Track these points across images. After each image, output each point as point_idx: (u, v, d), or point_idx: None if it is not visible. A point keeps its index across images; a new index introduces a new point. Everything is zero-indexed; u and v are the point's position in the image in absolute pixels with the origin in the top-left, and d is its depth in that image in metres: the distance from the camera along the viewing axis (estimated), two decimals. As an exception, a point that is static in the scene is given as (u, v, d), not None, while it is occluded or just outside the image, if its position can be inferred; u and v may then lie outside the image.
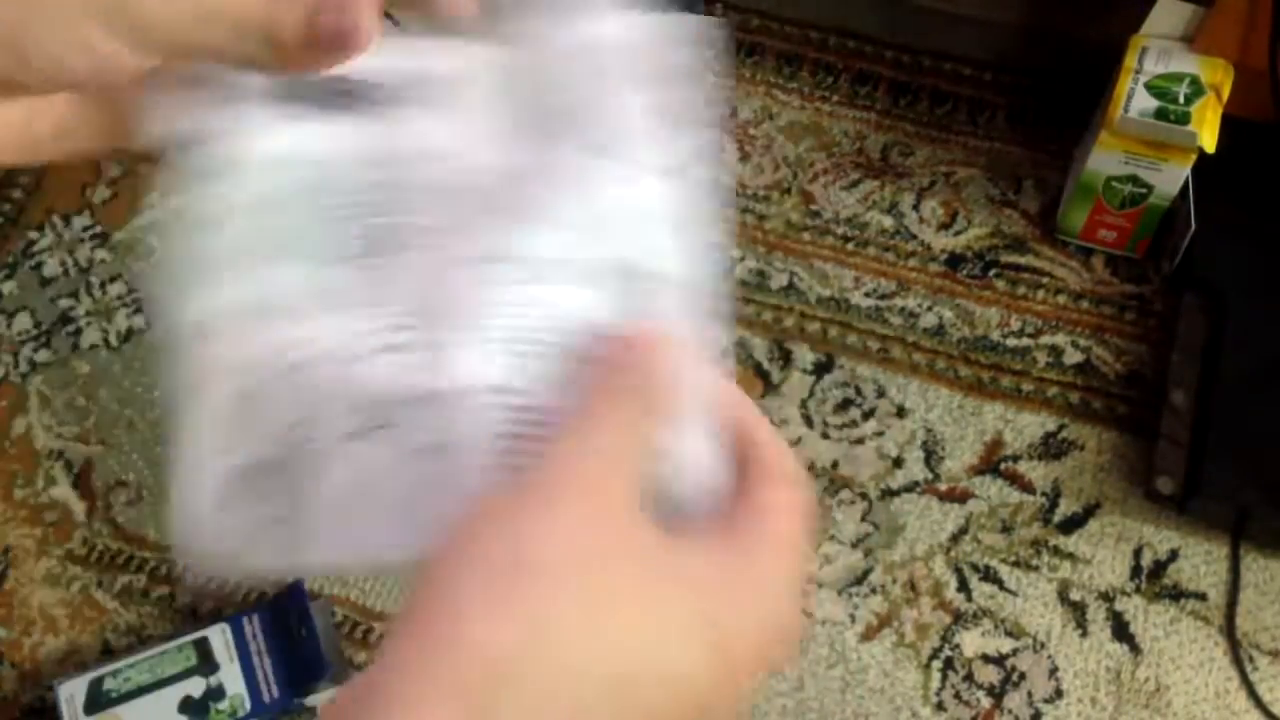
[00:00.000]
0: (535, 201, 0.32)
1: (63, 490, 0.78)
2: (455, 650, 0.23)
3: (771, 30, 0.90)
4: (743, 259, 0.82)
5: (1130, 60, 0.73)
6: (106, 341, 0.83)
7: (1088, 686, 0.68)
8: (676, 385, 0.29)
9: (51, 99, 0.33)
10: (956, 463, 0.75)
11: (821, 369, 0.78)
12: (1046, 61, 0.88)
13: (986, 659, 0.69)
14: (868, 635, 0.70)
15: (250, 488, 0.33)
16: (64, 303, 0.85)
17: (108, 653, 0.72)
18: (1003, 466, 0.74)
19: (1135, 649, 0.68)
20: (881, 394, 0.77)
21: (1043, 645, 0.69)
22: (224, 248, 0.34)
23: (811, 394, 0.78)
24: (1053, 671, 0.68)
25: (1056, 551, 0.72)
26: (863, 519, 0.73)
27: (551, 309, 0.30)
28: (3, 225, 0.89)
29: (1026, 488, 0.74)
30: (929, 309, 0.80)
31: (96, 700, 0.65)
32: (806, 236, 0.83)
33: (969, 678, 0.68)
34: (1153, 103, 0.71)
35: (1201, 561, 0.71)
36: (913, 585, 0.71)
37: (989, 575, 0.71)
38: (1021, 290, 0.81)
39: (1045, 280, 0.81)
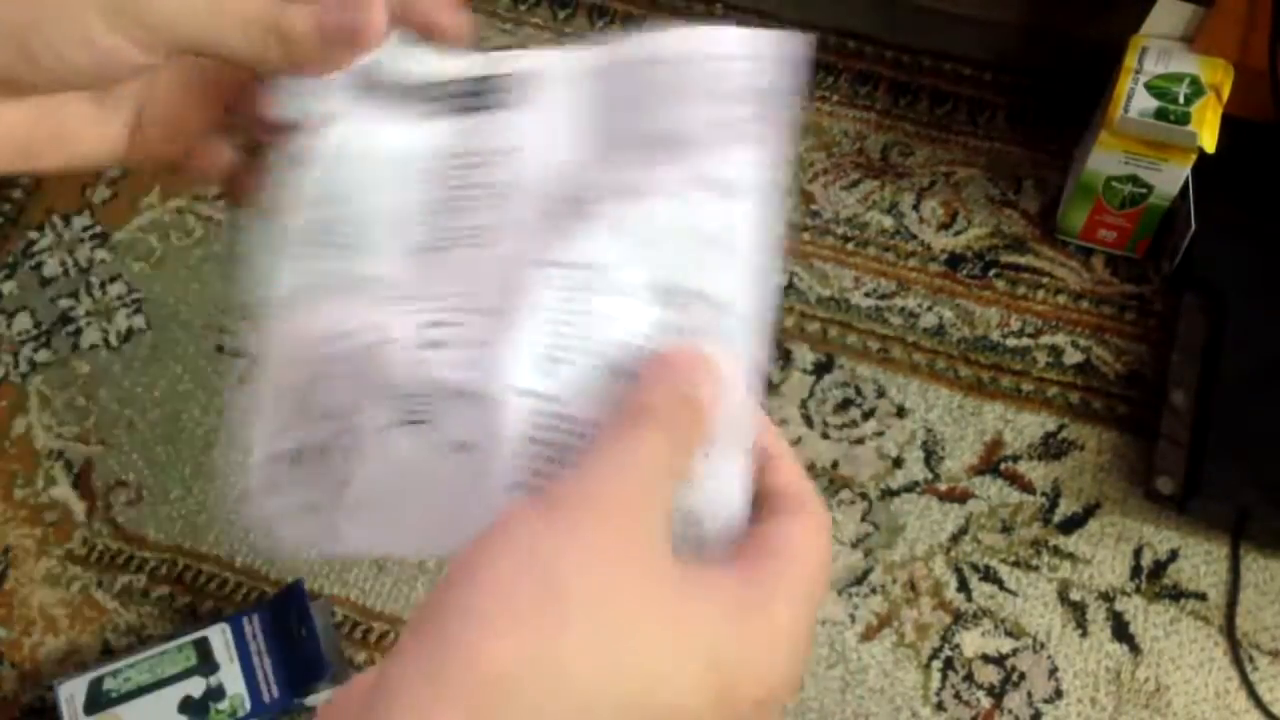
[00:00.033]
0: (595, 210, 0.31)
1: (63, 490, 0.78)
2: (466, 662, 0.23)
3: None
4: (743, 259, 0.82)
5: (1130, 60, 0.73)
6: (106, 341, 0.83)
7: (1088, 686, 0.68)
8: (712, 413, 0.29)
9: (52, 107, 0.33)
10: (956, 463, 0.75)
11: (821, 369, 0.78)
12: (1046, 61, 0.88)
13: (986, 659, 0.69)
14: (868, 635, 0.70)
15: (295, 472, 0.33)
16: (64, 303, 0.85)
17: (108, 653, 0.72)
18: (1003, 466, 0.75)
19: (1135, 649, 0.68)
20: (881, 394, 0.77)
21: (1043, 645, 0.69)
22: (295, 234, 0.34)
23: (811, 394, 0.78)
24: (1053, 671, 0.68)
25: (1056, 551, 0.72)
26: (863, 519, 0.73)
27: (598, 320, 0.30)
28: (3, 225, 0.89)
29: (1026, 488, 0.74)
30: (929, 309, 0.80)
31: (96, 700, 0.65)
32: (806, 236, 0.83)
33: (969, 678, 0.68)
34: (1153, 103, 0.71)
35: (1201, 561, 0.71)
36: (913, 585, 0.71)
37: (989, 575, 0.71)
38: (1021, 290, 0.81)
39: (1045, 280, 0.81)
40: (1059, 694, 0.67)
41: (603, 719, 0.24)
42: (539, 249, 0.31)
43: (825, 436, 0.76)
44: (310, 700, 0.67)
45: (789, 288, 0.81)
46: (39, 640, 0.73)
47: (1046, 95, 0.88)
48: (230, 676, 0.66)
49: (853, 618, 0.70)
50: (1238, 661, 0.67)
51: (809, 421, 0.77)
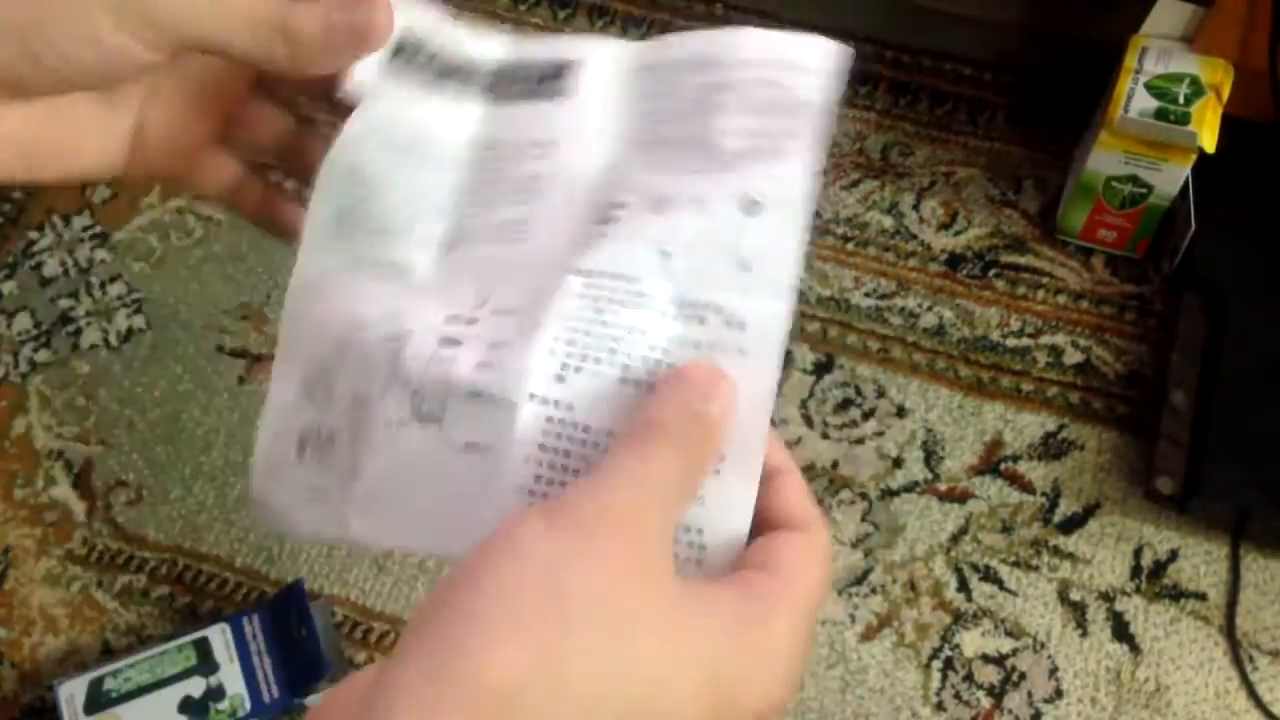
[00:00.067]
0: (625, 216, 0.31)
1: (63, 490, 0.78)
2: (469, 668, 0.23)
3: (771, 30, 0.90)
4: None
5: (1130, 60, 0.73)
6: (106, 341, 0.83)
7: (1088, 686, 0.68)
8: (724, 431, 0.29)
9: (54, 115, 0.33)
10: (956, 463, 0.75)
11: (821, 369, 0.78)
12: (1046, 61, 0.88)
13: (986, 659, 0.69)
14: (868, 635, 0.70)
15: (303, 455, 0.33)
16: (64, 303, 0.85)
17: (108, 653, 0.72)
18: (1003, 466, 0.74)
19: (1135, 649, 0.68)
20: (881, 394, 0.77)
21: (1043, 645, 0.69)
22: (326, 215, 0.34)
23: (811, 394, 0.78)
24: (1053, 671, 0.68)
25: (1056, 551, 0.72)
26: (863, 519, 0.73)
27: (619, 332, 0.30)
28: (3, 225, 0.89)
29: (1026, 488, 0.74)
30: (929, 309, 0.80)
31: (96, 700, 0.65)
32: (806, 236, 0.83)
33: (969, 678, 0.68)
34: (1153, 103, 0.71)
35: (1201, 561, 0.71)
36: (913, 585, 0.71)
37: (989, 575, 0.71)
38: (1021, 290, 0.81)
39: (1045, 280, 0.81)
40: (1059, 694, 0.67)
41: None
42: (566, 253, 0.31)
43: (825, 436, 0.76)
44: (310, 700, 0.67)
45: (789, 288, 0.81)
46: (39, 640, 0.73)
47: (1046, 95, 0.88)
48: (230, 676, 0.66)
49: (853, 618, 0.70)
50: (1238, 661, 0.67)
51: (809, 421, 0.77)
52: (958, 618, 0.70)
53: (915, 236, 0.83)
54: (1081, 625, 0.69)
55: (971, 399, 0.77)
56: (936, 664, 0.69)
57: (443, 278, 0.33)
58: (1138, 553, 0.71)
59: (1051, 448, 0.75)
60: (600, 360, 0.29)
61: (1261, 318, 0.73)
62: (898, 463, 0.75)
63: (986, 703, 0.68)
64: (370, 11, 0.33)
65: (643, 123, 0.33)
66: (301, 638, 0.67)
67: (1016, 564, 0.71)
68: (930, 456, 0.75)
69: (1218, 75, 0.72)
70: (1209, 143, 0.70)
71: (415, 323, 0.31)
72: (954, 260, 0.82)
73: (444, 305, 0.32)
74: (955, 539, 0.72)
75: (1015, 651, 0.69)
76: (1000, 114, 0.88)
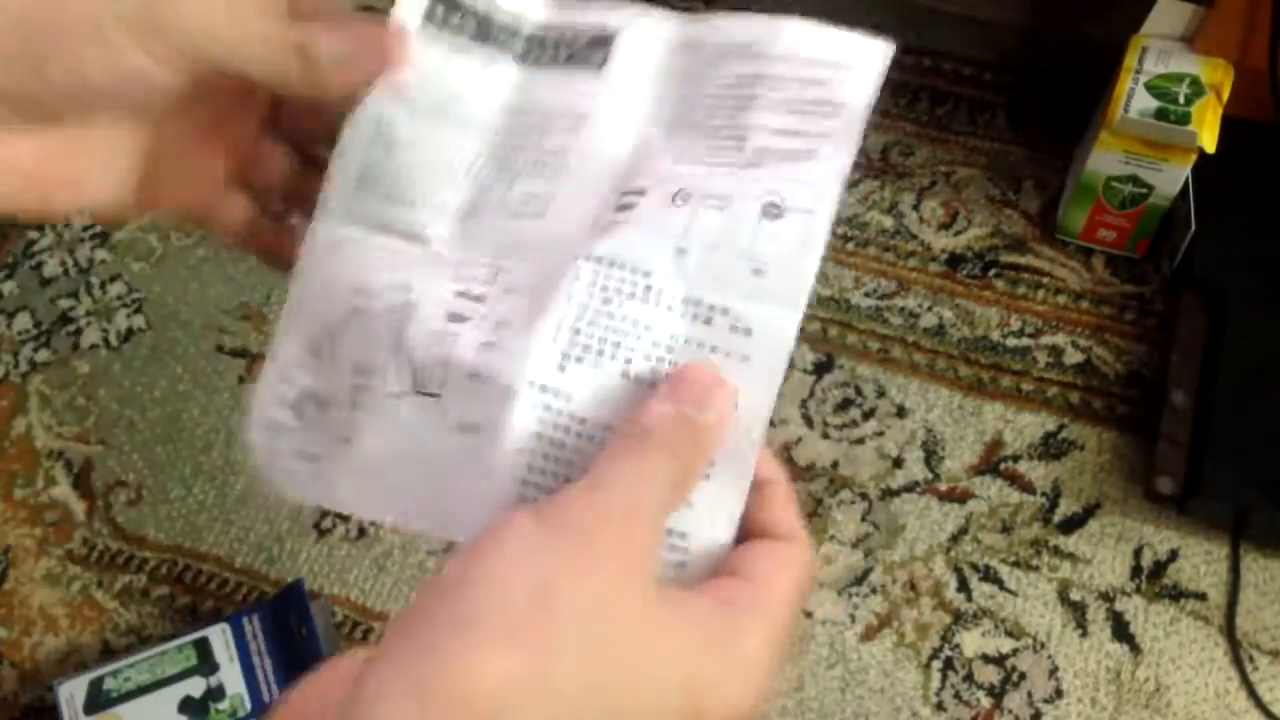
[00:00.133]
0: (646, 205, 0.31)
1: (63, 490, 0.78)
2: (455, 678, 0.23)
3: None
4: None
5: (1130, 60, 0.73)
6: (106, 341, 0.83)
7: (1088, 686, 0.68)
8: (717, 439, 0.28)
9: (63, 144, 0.32)
10: (956, 463, 0.75)
11: (821, 369, 0.78)
12: (1046, 61, 0.88)
13: (986, 659, 0.69)
14: (868, 635, 0.70)
15: (300, 416, 0.33)
16: (64, 303, 0.85)
17: (108, 653, 0.72)
18: (1003, 466, 0.74)
19: (1135, 649, 0.68)
20: (881, 394, 0.77)
21: (1043, 645, 0.69)
22: (348, 175, 0.34)
23: (811, 394, 0.78)
24: (1053, 671, 0.68)
25: (1056, 551, 0.71)
26: (863, 519, 0.73)
27: (626, 325, 0.29)
28: (3, 225, 0.89)
29: (1026, 488, 0.74)
30: (929, 309, 0.80)
31: (96, 700, 0.65)
32: (806, 236, 0.83)
33: (969, 678, 0.68)
34: (1153, 103, 0.71)
35: (1201, 561, 0.71)
36: (913, 585, 0.71)
37: (989, 575, 0.71)
38: (1021, 290, 0.81)
39: (1045, 280, 0.81)
40: (1059, 694, 0.67)
41: None
42: (581, 236, 0.31)
43: (825, 436, 0.76)
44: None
45: (789, 288, 0.81)
46: (39, 640, 0.73)
47: (1046, 95, 0.88)
48: (230, 676, 0.66)
49: (853, 618, 0.70)
50: (1238, 661, 0.67)
51: (809, 421, 0.77)
52: (958, 618, 0.70)
53: (915, 236, 0.83)
54: (1081, 625, 0.69)
55: (971, 399, 0.77)
56: (936, 664, 0.69)
57: (457, 247, 0.33)
58: (1138, 553, 0.71)
59: (1051, 448, 0.75)
60: (603, 353, 0.29)
61: (1261, 318, 0.73)
62: (898, 463, 0.75)
63: (986, 703, 0.68)
64: (387, 36, 0.33)
65: (675, 106, 0.33)
66: (301, 638, 0.67)
67: (1016, 564, 0.71)
68: (930, 456, 0.75)
69: (1218, 75, 0.72)
70: (1209, 143, 0.70)
71: (423, 294, 0.31)
72: (954, 260, 0.82)
73: (455, 277, 0.32)
74: (955, 539, 0.72)
75: (1015, 651, 0.69)
76: (1000, 114, 0.88)
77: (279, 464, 0.33)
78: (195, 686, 0.66)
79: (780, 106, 0.31)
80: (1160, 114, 0.71)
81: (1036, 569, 0.71)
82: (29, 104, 0.30)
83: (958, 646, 0.69)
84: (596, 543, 0.25)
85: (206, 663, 0.66)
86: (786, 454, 0.75)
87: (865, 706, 0.68)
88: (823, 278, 0.81)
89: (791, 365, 0.79)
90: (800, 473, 0.74)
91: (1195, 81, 0.72)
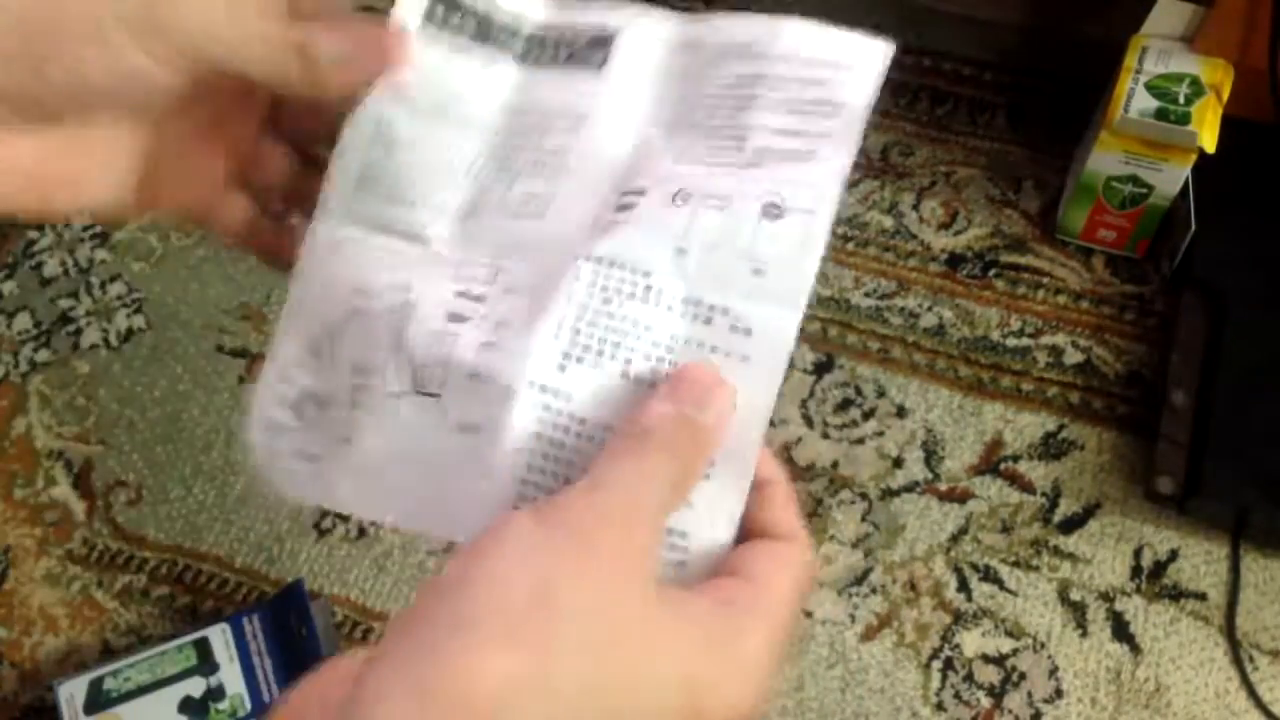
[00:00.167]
0: (646, 205, 0.30)
1: (63, 490, 0.78)
2: (455, 678, 0.23)
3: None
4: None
5: (1130, 60, 0.73)
6: (106, 341, 0.83)
7: (1088, 686, 0.68)
8: (717, 439, 0.28)
9: (63, 145, 0.32)
10: (956, 463, 0.75)
11: (821, 369, 0.78)
12: (1046, 61, 0.88)
13: (986, 659, 0.69)
14: (868, 635, 0.70)
15: (300, 416, 0.33)
16: (64, 303, 0.85)
17: (108, 653, 0.72)
18: (1003, 466, 0.74)
19: (1135, 649, 0.68)
20: (881, 394, 0.77)
21: (1043, 645, 0.69)
22: (349, 174, 0.34)
23: (811, 394, 0.78)
24: (1053, 671, 0.68)
25: (1056, 551, 0.71)
26: (863, 519, 0.73)
27: (627, 325, 0.29)
28: (2, 225, 0.89)
29: (1026, 488, 0.74)
30: (929, 309, 0.80)
31: (96, 700, 0.65)
32: (806, 236, 0.83)
33: (969, 678, 0.68)
34: (1153, 103, 0.71)
35: (1201, 561, 0.71)
36: (913, 585, 0.71)
37: (989, 575, 0.71)
38: (1021, 290, 0.81)
39: (1045, 280, 0.81)
40: (1059, 694, 0.67)
41: None
42: (581, 236, 0.31)
43: (825, 436, 0.76)
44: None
45: (789, 288, 0.81)
46: (39, 640, 0.73)
47: (1046, 95, 0.88)
48: (230, 676, 0.66)
49: (853, 618, 0.70)
50: (1238, 661, 0.67)
51: (809, 421, 0.77)
52: (958, 618, 0.70)
53: (915, 236, 0.83)
54: (1081, 625, 0.69)
55: (971, 399, 0.77)
56: (936, 664, 0.69)
57: (457, 247, 0.33)
58: (1138, 553, 0.71)
59: (1051, 448, 0.75)
60: (603, 353, 0.29)
61: (1261, 318, 0.73)
62: (898, 463, 0.75)
63: (986, 703, 0.68)
64: (387, 36, 0.33)
65: (675, 106, 0.33)
66: (301, 638, 0.67)
67: (1016, 564, 0.71)
68: (930, 456, 0.75)
69: (1218, 75, 0.72)
70: (1209, 143, 0.70)
71: (423, 294, 0.31)
72: (954, 260, 0.82)
73: (455, 278, 0.32)
74: (955, 539, 0.72)
75: (1015, 651, 0.69)
76: (1000, 114, 0.88)
77: (279, 464, 0.33)
78: (195, 686, 0.66)
79: (780, 106, 0.31)
80: (1160, 114, 0.71)
81: (1036, 569, 0.71)
82: (29, 104, 0.30)
83: (958, 646, 0.69)
84: (597, 543, 0.25)
85: (206, 663, 0.66)
86: (786, 454, 0.75)
87: (865, 706, 0.68)
88: (823, 278, 0.81)
89: (791, 365, 0.79)
90: (800, 473, 0.74)
91: (1195, 81, 0.72)
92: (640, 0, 0.34)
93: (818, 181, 0.30)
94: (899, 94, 0.88)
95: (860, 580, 0.71)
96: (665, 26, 0.34)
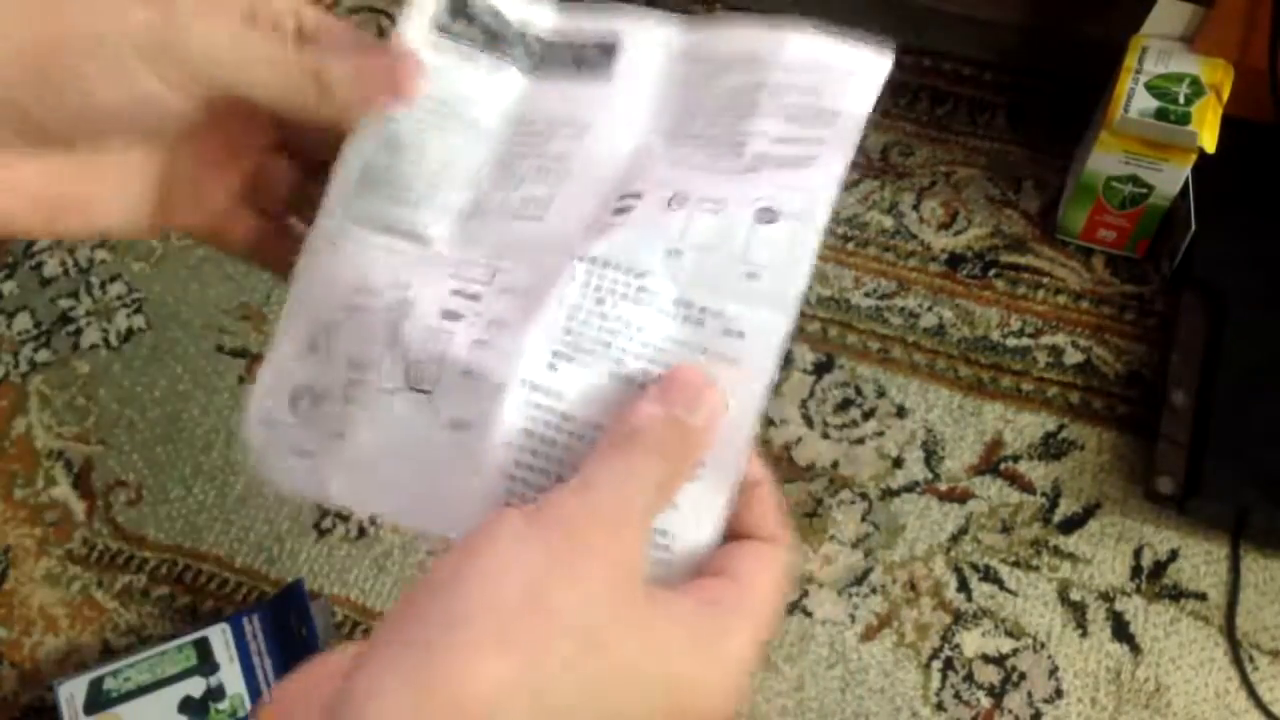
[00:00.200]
0: (643, 209, 0.31)
1: (63, 490, 0.78)
2: (449, 680, 0.23)
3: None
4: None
5: (1130, 60, 0.73)
6: (106, 341, 0.83)
7: (1088, 686, 0.68)
8: (706, 441, 0.28)
9: (73, 170, 0.32)
10: (956, 463, 0.75)
11: (821, 369, 0.78)
12: (1046, 61, 0.88)
13: (986, 659, 0.69)
14: (868, 635, 0.70)
15: (296, 410, 0.33)
16: (64, 303, 0.85)
17: (108, 653, 0.72)
18: (1003, 466, 0.74)
19: (1135, 649, 0.68)
20: (881, 394, 0.77)
21: (1043, 645, 0.69)
22: (354, 174, 0.34)
23: (811, 394, 0.78)
24: (1053, 671, 0.68)
25: (1056, 551, 0.72)
26: (863, 519, 0.73)
27: (619, 326, 0.30)
28: (3, 225, 0.89)
29: (1026, 488, 0.74)
30: (929, 309, 0.80)
31: (96, 700, 0.65)
32: (806, 236, 0.83)
33: (969, 678, 0.68)
34: (1153, 103, 0.71)
35: (1201, 561, 0.71)
36: (913, 585, 0.71)
37: (989, 575, 0.71)
38: (1021, 290, 0.81)
39: (1045, 280, 0.81)
40: (1059, 694, 0.67)
41: None
42: (577, 238, 0.31)
43: (825, 436, 0.76)
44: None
45: (789, 288, 0.81)
46: (39, 640, 0.73)
47: (1046, 95, 0.88)
48: (230, 676, 0.66)
49: (853, 618, 0.70)
50: (1238, 661, 0.67)
51: (809, 421, 0.77)
52: (958, 618, 0.70)
53: (915, 236, 0.83)
54: (1081, 625, 0.69)
55: (971, 399, 0.77)
56: (936, 664, 0.69)
57: (457, 247, 0.33)
58: (1138, 553, 0.71)
59: (1051, 448, 0.75)
60: (594, 352, 0.29)
61: (1261, 318, 0.73)
62: (898, 463, 0.75)
63: (986, 703, 0.68)
64: (399, 61, 0.33)
65: (676, 113, 0.33)
66: (301, 638, 0.67)
67: (1016, 564, 0.71)
68: (930, 456, 0.75)
69: (1218, 75, 0.72)
70: (1209, 143, 0.70)
71: (420, 293, 0.31)
72: (954, 260, 0.82)
73: (452, 277, 0.32)
74: (955, 539, 0.72)
75: (1015, 651, 0.69)
76: (1000, 114, 0.88)
77: (275, 459, 0.33)
78: (195, 686, 0.66)
79: (780, 114, 0.31)
80: (1160, 114, 0.71)
81: (1036, 569, 0.71)
82: (34, 129, 0.30)
83: (958, 646, 0.69)
84: (587, 543, 0.25)
85: (206, 663, 0.67)
86: (786, 454, 0.75)
87: (865, 706, 0.68)
88: (823, 278, 0.81)
89: (791, 365, 0.79)
90: (800, 473, 0.74)
91: (1195, 81, 0.72)
92: (642, 4, 0.34)
93: (812, 187, 0.30)
94: (899, 94, 0.88)
95: (860, 580, 0.71)
96: (670, 34, 0.34)
